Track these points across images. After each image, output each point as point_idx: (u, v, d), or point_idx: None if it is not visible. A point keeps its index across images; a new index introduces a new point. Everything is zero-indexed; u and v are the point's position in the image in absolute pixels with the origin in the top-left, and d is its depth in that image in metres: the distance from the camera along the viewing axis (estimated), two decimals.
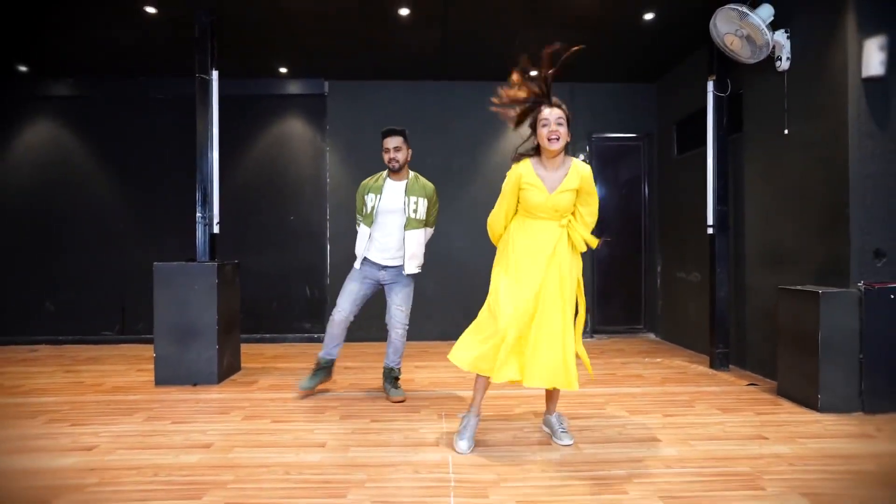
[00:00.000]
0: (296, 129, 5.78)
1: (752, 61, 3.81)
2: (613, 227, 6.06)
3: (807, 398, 3.25)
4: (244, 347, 5.31)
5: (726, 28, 3.75)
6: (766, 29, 3.54)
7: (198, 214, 4.09)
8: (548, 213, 2.54)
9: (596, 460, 2.49)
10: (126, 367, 4.42)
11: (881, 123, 3.23)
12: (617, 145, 6.06)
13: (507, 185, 2.61)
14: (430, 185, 3.56)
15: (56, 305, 5.63)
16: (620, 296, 6.08)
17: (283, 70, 5.48)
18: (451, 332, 5.63)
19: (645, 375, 4.14)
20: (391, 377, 3.58)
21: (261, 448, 2.63)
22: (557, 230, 2.56)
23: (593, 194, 2.62)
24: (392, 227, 3.46)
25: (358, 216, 3.59)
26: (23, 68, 5.40)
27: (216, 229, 4.15)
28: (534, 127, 2.57)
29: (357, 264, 3.53)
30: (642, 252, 6.07)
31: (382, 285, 3.59)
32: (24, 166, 5.68)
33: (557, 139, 2.47)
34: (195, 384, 3.84)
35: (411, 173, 3.55)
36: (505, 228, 2.70)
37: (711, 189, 4.30)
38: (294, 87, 5.71)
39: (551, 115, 2.50)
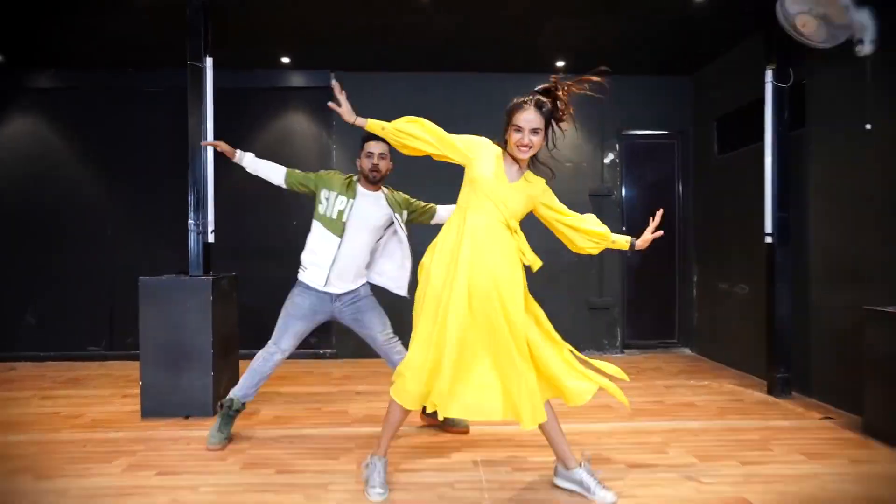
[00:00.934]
0: (299, 126, 5.29)
1: (825, 45, 3.30)
2: (643, 232, 5.54)
3: None
4: (244, 366, 4.81)
5: (799, 7, 3.24)
6: (850, 5, 3.04)
7: (190, 221, 3.60)
8: (497, 203, 2.20)
9: None
10: (111, 392, 3.93)
11: None
12: (648, 143, 5.57)
13: (463, 137, 2.31)
14: (399, 194, 3.11)
15: (38, 317, 5.13)
16: (652, 307, 5.59)
17: (285, 60, 4.97)
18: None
19: (698, 404, 3.65)
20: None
21: None
22: (507, 232, 2.23)
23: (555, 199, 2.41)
24: (361, 247, 2.91)
25: (288, 170, 3.07)
26: (1, 58, 4.90)
27: (211, 238, 3.66)
28: (505, 122, 2.26)
29: (310, 281, 2.92)
30: (675, 259, 5.58)
31: (335, 318, 3.02)
32: (3, 163, 5.17)
33: (528, 148, 2.20)
34: (187, 417, 3.35)
35: (383, 188, 3.03)
36: (411, 151, 2.40)
37: (770, 193, 3.80)
38: (297, 80, 5.21)
39: (527, 121, 2.18)
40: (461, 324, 2.14)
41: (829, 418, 3.30)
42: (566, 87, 2.30)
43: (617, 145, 5.43)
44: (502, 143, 2.29)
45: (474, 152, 2.26)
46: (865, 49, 3.21)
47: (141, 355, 3.36)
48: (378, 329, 3.02)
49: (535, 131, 2.18)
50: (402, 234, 2.97)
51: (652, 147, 5.59)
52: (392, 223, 2.98)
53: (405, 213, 3.08)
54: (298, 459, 2.69)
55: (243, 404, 2.97)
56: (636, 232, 5.20)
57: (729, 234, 4.81)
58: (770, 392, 3.83)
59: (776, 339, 3.79)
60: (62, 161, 5.19)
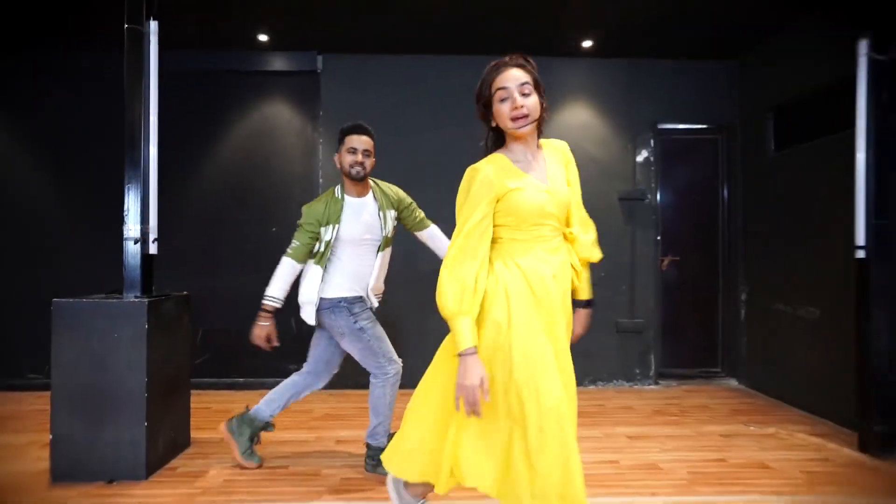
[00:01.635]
0: (281, 116, 4.53)
1: None
2: (682, 242, 4.77)
3: None
4: (207, 399, 4.06)
5: None
6: None
7: (125, 228, 2.83)
8: (553, 218, 1.65)
9: None
10: (28, 440, 3.14)
11: None
12: (686, 139, 4.79)
13: (479, 204, 1.59)
14: (394, 189, 2.83)
15: None
16: (691, 330, 4.79)
17: (262, 38, 4.22)
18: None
19: (772, 465, 2.83)
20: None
21: None
22: (564, 248, 1.70)
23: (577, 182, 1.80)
24: (367, 257, 2.72)
25: (289, 251, 2.72)
26: None
27: (153, 249, 2.90)
28: (487, 103, 1.63)
29: (363, 296, 2.70)
30: (719, 275, 4.77)
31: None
32: None
33: (525, 116, 1.58)
34: (111, 482, 2.57)
35: (370, 181, 2.77)
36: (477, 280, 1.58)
37: (863, 194, 3.00)
38: (279, 63, 4.46)
39: (510, 79, 1.59)
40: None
41: None
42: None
43: (651, 141, 4.63)
44: (490, 142, 1.70)
45: (494, 198, 1.60)
46: None
47: (52, 400, 2.59)
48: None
49: (524, 93, 1.58)
50: (383, 233, 2.74)
51: (692, 144, 4.80)
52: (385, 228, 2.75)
53: (393, 212, 2.77)
54: None
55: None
56: (674, 242, 4.31)
57: (790, 246, 4.00)
58: (863, 449, 3.00)
59: (870, 381, 2.97)
60: None
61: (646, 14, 3.83)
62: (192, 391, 4.20)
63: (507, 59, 1.64)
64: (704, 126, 4.74)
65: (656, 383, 4.59)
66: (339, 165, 2.70)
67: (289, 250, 2.68)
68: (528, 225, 1.62)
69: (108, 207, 4.32)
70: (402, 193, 2.84)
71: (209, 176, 4.51)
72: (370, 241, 2.70)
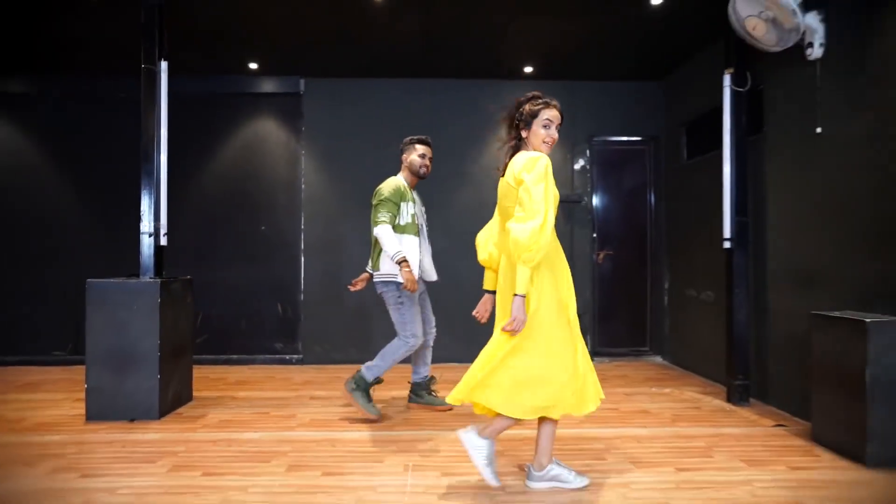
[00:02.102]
0: (269, 132, 5.29)
1: (777, 49, 3.29)
2: (615, 238, 5.53)
3: (850, 448, 2.70)
4: (206, 371, 4.80)
5: (748, 10, 3.24)
6: (796, 9, 3.03)
7: (142, 224, 3.58)
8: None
9: None
10: (63, 397, 3.90)
11: None
12: (619, 149, 5.55)
13: (548, 177, 2.21)
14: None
15: (3, 322, 5.12)
16: (623, 315, 5.54)
17: (253, 66, 4.99)
18: (440, 354, 5.10)
19: (652, 411, 3.59)
20: (430, 387, 3.66)
21: None
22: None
23: None
24: (426, 237, 3.56)
25: (385, 219, 3.30)
26: None
27: (164, 241, 3.65)
28: (527, 121, 2.33)
29: (415, 275, 3.29)
30: (647, 266, 5.54)
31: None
32: None
33: (551, 144, 2.35)
34: (132, 420, 3.32)
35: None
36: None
37: (729, 198, 3.77)
38: (267, 86, 5.23)
39: (557, 118, 2.34)
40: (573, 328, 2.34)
41: (782, 426, 3.24)
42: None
43: (587, 151, 5.41)
44: (516, 139, 2.37)
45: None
46: (815, 52, 3.20)
47: (87, 358, 3.34)
48: (430, 308, 3.62)
49: (559, 127, 2.36)
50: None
51: (624, 153, 5.56)
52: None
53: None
54: (227, 463, 2.65)
55: (375, 381, 3.35)
56: (608, 239, 5.17)
57: (695, 240, 4.77)
58: (729, 399, 3.77)
59: (734, 346, 3.74)
60: (28, 166, 5.21)
61: (579, 44, 4.58)
62: (193, 366, 5.00)
63: (554, 101, 2.33)
64: (634, 138, 5.51)
65: (592, 360, 5.33)
66: (408, 165, 3.47)
67: (384, 220, 3.27)
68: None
69: (119, 208, 5.11)
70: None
71: (208, 182, 5.27)
72: (421, 224, 3.49)
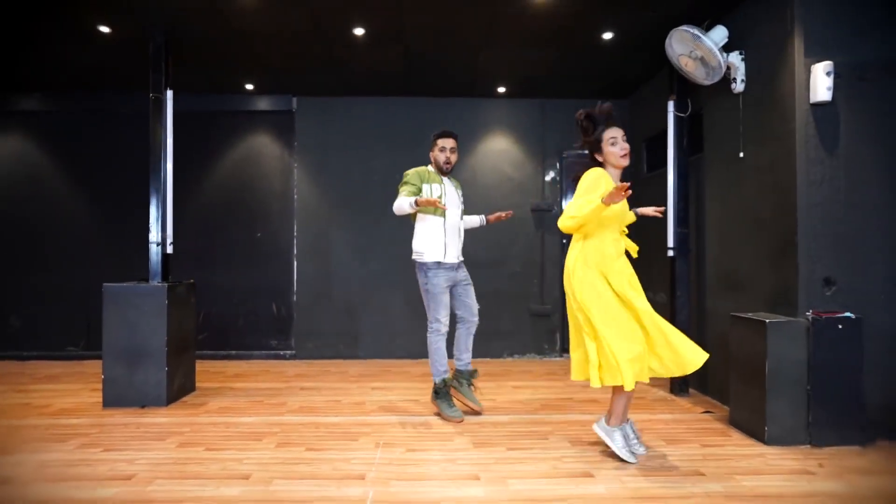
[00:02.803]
0: (264, 146, 5.76)
1: (707, 83, 3.76)
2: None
3: (754, 429, 3.18)
4: (207, 365, 5.27)
5: (681, 49, 3.71)
6: (717, 52, 3.50)
7: (150, 234, 4.06)
8: (618, 223, 2.89)
9: (522, 499, 2.42)
10: (81, 387, 4.38)
11: (830, 149, 3.17)
12: (588, 163, 5.99)
13: (599, 186, 2.76)
14: (455, 179, 3.82)
15: (21, 320, 5.60)
16: None
17: (249, 87, 5.46)
18: (420, 350, 5.58)
19: (601, 400, 4.06)
20: (471, 378, 3.64)
21: (183, 480, 2.58)
22: (621, 241, 2.92)
23: None
24: (455, 222, 3.59)
25: (402, 193, 3.49)
26: None
27: (170, 249, 4.12)
28: (595, 144, 2.91)
29: (434, 257, 3.49)
30: None
31: (455, 286, 3.63)
32: None
33: (626, 156, 2.84)
34: (143, 406, 3.80)
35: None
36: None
37: (672, 211, 4.24)
38: (262, 104, 5.70)
39: (619, 133, 2.84)
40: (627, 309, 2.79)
41: (709, 412, 3.72)
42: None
43: (557, 164, 5.87)
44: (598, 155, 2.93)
45: (602, 188, 2.75)
46: (738, 87, 3.68)
47: (104, 353, 3.81)
48: (472, 295, 3.65)
49: (625, 138, 2.86)
50: (461, 206, 3.72)
51: (592, 166, 6.01)
52: (462, 202, 3.75)
53: (461, 190, 3.79)
54: (225, 441, 3.13)
55: (445, 381, 3.55)
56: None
57: (653, 247, 5.23)
58: (671, 391, 4.24)
59: None
60: (43, 178, 5.68)
61: (548, 67, 5.03)
62: (196, 360, 5.46)
63: (607, 117, 2.85)
64: None
65: (561, 356, 5.82)
66: (433, 160, 3.63)
67: (401, 194, 3.48)
68: (608, 219, 2.80)
69: (125, 216, 5.57)
70: (457, 180, 3.82)
71: (209, 192, 5.74)
72: (456, 206, 3.59)
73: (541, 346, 5.81)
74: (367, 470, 2.72)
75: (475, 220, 3.89)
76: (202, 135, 5.67)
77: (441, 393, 3.56)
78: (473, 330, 3.65)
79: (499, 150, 5.84)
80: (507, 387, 4.49)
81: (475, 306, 3.65)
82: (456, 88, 5.54)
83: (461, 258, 3.67)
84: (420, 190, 3.53)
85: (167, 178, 4.09)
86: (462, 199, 3.74)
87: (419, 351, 5.57)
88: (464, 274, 3.65)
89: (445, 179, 3.66)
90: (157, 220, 4.07)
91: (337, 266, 5.69)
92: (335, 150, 5.73)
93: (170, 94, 4.09)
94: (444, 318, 3.53)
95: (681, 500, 2.40)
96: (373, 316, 5.66)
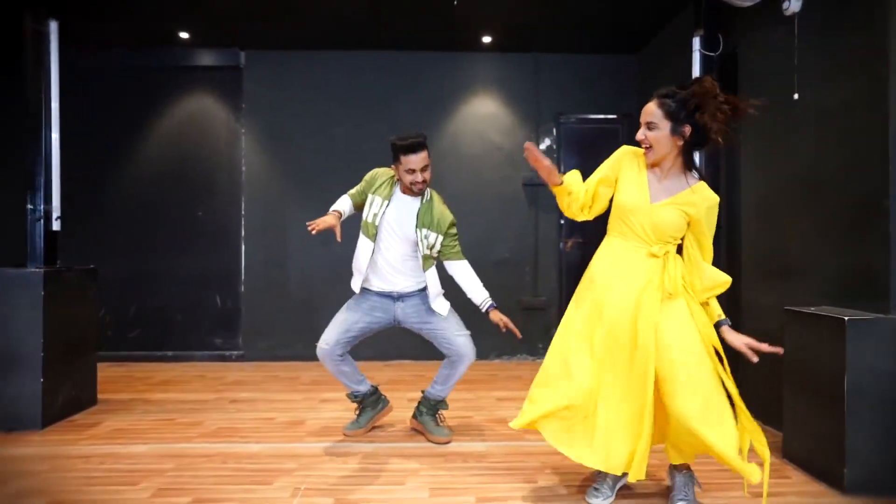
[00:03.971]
0: (206, 108, 4.84)
1: (747, 3, 2.85)
2: (584, 225, 5.06)
3: (827, 468, 2.28)
4: (135, 368, 4.40)
5: None
6: None
7: (29, 206, 3.16)
8: (641, 227, 1.98)
9: None
10: None
11: None
12: (590, 128, 5.10)
13: (604, 165, 2.13)
14: (447, 216, 2.73)
15: None
16: None
17: (184, 36, 4.53)
18: (390, 351, 4.70)
19: None
20: (435, 410, 2.84)
21: None
22: (649, 259, 1.98)
23: (712, 229, 1.99)
24: (395, 257, 2.71)
25: (349, 194, 2.77)
26: None
27: (56, 225, 3.23)
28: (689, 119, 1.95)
29: (355, 287, 2.78)
30: None
31: (400, 324, 2.79)
32: None
33: (649, 148, 1.99)
34: (10, 430, 2.91)
35: (428, 192, 2.73)
36: (578, 208, 2.12)
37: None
38: (204, 58, 4.78)
39: (645, 113, 2.00)
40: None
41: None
42: (713, 96, 1.93)
43: (554, 130, 4.96)
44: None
45: (616, 165, 2.09)
46: (792, 6, 2.77)
47: None
48: (455, 331, 2.69)
49: (649, 125, 1.97)
50: (424, 250, 2.68)
51: (595, 132, 5.11)
52: (429, 248, 2.70)
53: (438, 236, 2.69)
54: (85, 487, 2.25)
55: (361, 394, 2.85)
56: (576, 225, 4.60)
57: None
58: None
59: None
60: None
61: (543, 13, 4.13)
62: (124, 362, 4.59)
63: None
64: (607, 116, 5.06)
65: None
66: (398, 177, 2.67)
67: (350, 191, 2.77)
68: (617, 216, 2.04)
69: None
70: (447, 225, 2.71)
71: (139, 164, 4.83)
72: (402, 238, 2.68)
73: (534, 345, 4.92)
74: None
75: (476, 294, 2.76)
76: (130, 96, 4.76)
77: (359, 408, 2.90)
78: (463, 368, 2.73)
79: (484, 113, 4.92)
80: (489, 399, 3.61)
81: (458, 339, 2.69)
82: (433, 40, 4.62)
83: (418, 288, 2.77)
84: (362, 195, 2.73)
85: (51, 135, 3.19)
86: (438, 239, 2.68)
87: (389, 351, 4.69)
88: (416, 309, 2.74)
89: (402, 197, 2.69)
90: (41, 187, 3.17)
91: (293, 250, 4.79)
92: (290, 113, 4.82)
93: (54, 25, 3.18)
94: (329, 338, 2.72)
95: None
96: (335, 310, 4.73)
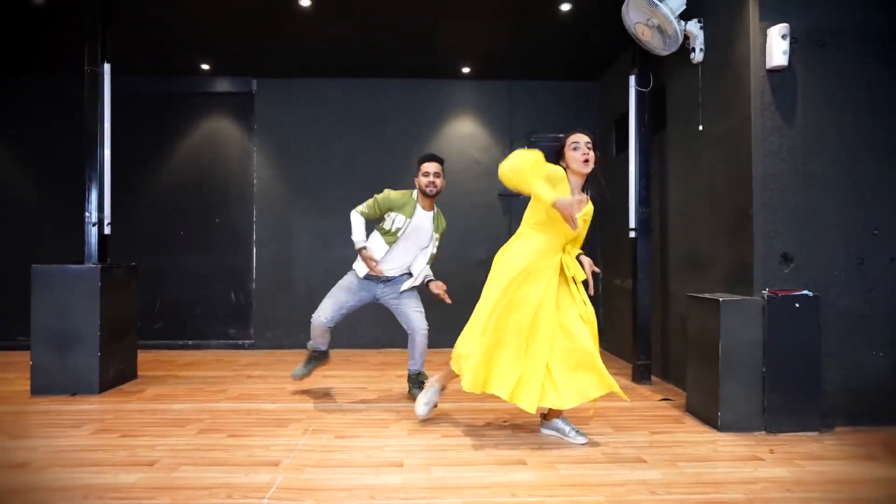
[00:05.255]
0: (223, 129, 5.58)
1: (665, 52, 3.58)
2: None
3: (709, 416, 2.99)
4: (160, 354, 5.09)
5: (637, 17, 3.52)
6: (674, 19, 3.31)
7: (86, 214, 3.87)
8: (562, 234, 2.66)
9: (442, 486, 2.24)
10: (14, 377, 4.19)
11: (787, 118, 2.99)
12: (559, 146, 5.80)
13: (555, 183, 2.62)
14: (444, 223, 3.56)
15: None
16: None
17: (205, 67, 5.27)
18: (383, 339, 5.40)
19: None
20: (419, 382, 3.51)
21: (79, 468, 2.39)
22: (560, 255, 2.71)
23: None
24: (407, 252, 3.45)
25: (362, 213, 3.39)
26: None
27: (107, 230, 3.94)
28: (560, 153, 2.75)
29: (360, 272, 3.45)
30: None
31: (377, 300, 3.52)
32: None
33: (587, 161, 2.63)
34: (73, 394, 3.61)
35: (435, 207, 3.50)
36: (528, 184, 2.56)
37: (634, 190, 4.06)
38: (221, 86, 5.51)
39: (581, 138, 2.66)
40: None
41: (668, 399, 3.53)
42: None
43: (525, 147, 5.66)
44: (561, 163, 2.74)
45: (545, 171, 2.62)
46: (697, 56, 3.49)
47: (32, 338, 3.63)
48: (413, 307, 3.44)
49: (589, 146, 2.66)
50: (432, 249, 3.50)
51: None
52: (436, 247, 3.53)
53: (439, 237, 3.52)
54: (144, 427, 2.94)
55: (319, 351, 3.62)
56: None
57: (621, 231, 5.05)
58: (633, 379, 4.06)
59: (637, 328, 4.03)
60: None
61: (513, 45, 4.84)
62: (151, 351, 5.27)
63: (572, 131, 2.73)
64: None
65: None
66: (417, 185, 3.39)
67: (359, 208, 3.38)
68: (554, 221, 2.60)
69: (74, 201, 5.36)
70: (443, 227, 3.51)
71: (166, 177, 5.55)
72: (419, 242, 3.41)
73: None
74: (285, 457, 2.54)
75: (422, 274, 3.51)
76: (158, 118, 5.49)
77: (309, 357, 3.67)
78: (419, 338, 3.42)
79: (465, 133, 5.65)
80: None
81: (413, 314, 3.42)
82: (418, 68, 5.35)
83: (401, 274, 3.51)
84: (377, 211, 3.39)
85: (104, 155, 3.90)
86: (437, 242, 3.49)
87: (382, 339, 5.39)
88: (394, 290, 3.47)
89: (421, 212, 3.40)
90: (95, 198, 3.88)
91: (298, 252, 5.51)
92: (295, 132, 5.55)
93: (107, 67, 3.90)
94: (323, 313, 3.42)
95: (614, 488, 2.22)
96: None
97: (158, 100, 5.47)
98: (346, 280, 3.50)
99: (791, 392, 2.86)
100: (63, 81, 5.41)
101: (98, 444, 2.68)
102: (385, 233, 3.39)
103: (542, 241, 2.70)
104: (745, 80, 3.05)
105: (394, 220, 3.37)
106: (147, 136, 5.44)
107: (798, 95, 2.98)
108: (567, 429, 2.78)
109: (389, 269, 3.44)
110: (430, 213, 3.44)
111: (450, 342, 2.95)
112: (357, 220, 3.37)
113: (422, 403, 3.01)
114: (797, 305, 2.87)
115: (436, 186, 3.37)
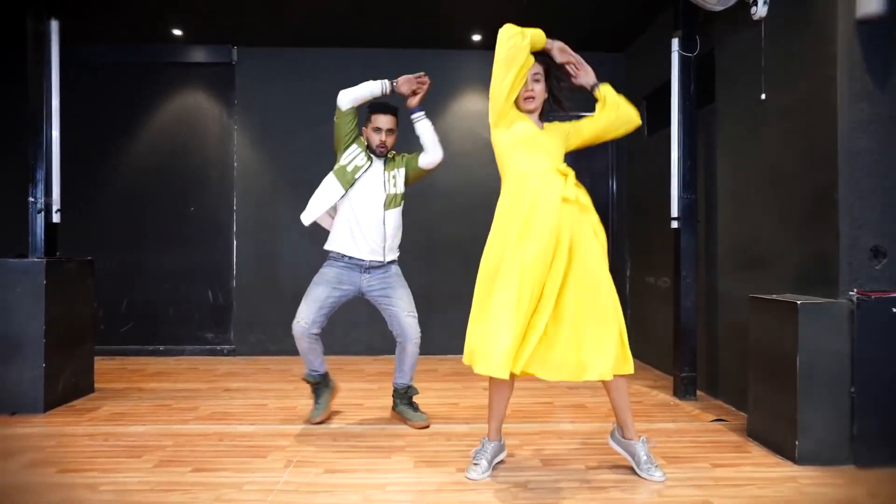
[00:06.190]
0: (199, 105, 4.96)
1: (719, 7, 3.01)
2: None
3: (782, 444, 2.45)
4: (127, 362, 4.51)
5: None
6: None
7: (30, 200, 3.28)
8: (538, 144, 2.28)
9: None
10: None
11: (880, 81, 2.43)
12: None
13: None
14: (402, 156, 3.03)
15: None
16: None
17: (177, 33, 4.65)
18: (380, 345, 4.83)
19: (589, 406, 3.33)
20: (407, 397, 2.96)
21: None
22: (558, 178, 2.28)
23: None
24: (372, 209, 2.85)
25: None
26: None
27: (56, 218, 3.35)
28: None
29: (334, 246, 2.88)
30: (610, 254, 5.26)
31: (363, 295, 2.93)
32: None
33: (532, 98, 2.29)
34: (13, 413, 3.03)
35: (391, 153, 2.98)
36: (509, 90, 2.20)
37: (676, 174, 3.51)
38: (196, 55, 4.89)
39: (532, 70, 2.28)
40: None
41: (722, 420, 2.99)
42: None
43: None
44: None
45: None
46: (759, 11, 2.93)
47: None
48: (404, 309, 2.87)
49: (536, 77, 2.29)
50: (385, 190, 2.92)
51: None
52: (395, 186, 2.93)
53: (402, 168, 2.98)
54: (91, 459, 2.37)
55: (319, 376, 2.94)
56: None
57: (654, 221, 4.50)
58: (674, 393, 3.51)
59: (680, 335, 3.47)
60: None
61: (526, 11, 4.27)
62: (116, 356, 4.68)
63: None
64: (593, 113, 5.20)
65: None
66: (365, 140, 2.91)
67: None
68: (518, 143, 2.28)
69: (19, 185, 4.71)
70: (406, 156, 3.01)
71: (133, 158, 4.93)
72: (377, 191, 2.85)
73: None
74: (260, 502, 1.98)
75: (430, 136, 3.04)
76: (124, 91, 4.87)
77: (312, 391, 3.00)
78: (411, 348, 2.87)
79: (474, 111, 5.06)
80: (476, 388, 3.75)
81: (406, 320, 2.85)
82: (420, 37, 4.76)
83: (389, 260, 2.92)
84: (347, 137, 2.90)
85: (52, 129, 3.30)
86: (401, 183, 2.95)
87: (379, 346, 4.82)
88: (381, 282, 2.89)
89: (377, 161, 2.91)
90: (41, 181, 3.29)
91: (284, 246, 4.92)
92: (282, 109, 4.94)
93: (55, 24, 3.29)
94: (302, 316, 2.80)
95: None
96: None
97: (124, 71, 4.84)
98: (323, 272, 2.91)
99: (887, 416, 2.33)
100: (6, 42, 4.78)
101: (26, 483, 2.11)
102: (342, 173, 2.84)
103: (505, 199, 2.32)
104: (827, 34, 2.50)
105: (354, 158, 2.85)
106: (111, 113, 4.81)
107: (894, 53, 2.42)
108: (644, 458, 2.23)
109: (364, 245, 2.84)
110: (381, 160, 2.93)
111: (458, 349, 2.42)
112: (326, 188, 2.87)
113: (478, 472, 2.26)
114: (894, 310, 2.33)
115: (386, 147, 2.88)
